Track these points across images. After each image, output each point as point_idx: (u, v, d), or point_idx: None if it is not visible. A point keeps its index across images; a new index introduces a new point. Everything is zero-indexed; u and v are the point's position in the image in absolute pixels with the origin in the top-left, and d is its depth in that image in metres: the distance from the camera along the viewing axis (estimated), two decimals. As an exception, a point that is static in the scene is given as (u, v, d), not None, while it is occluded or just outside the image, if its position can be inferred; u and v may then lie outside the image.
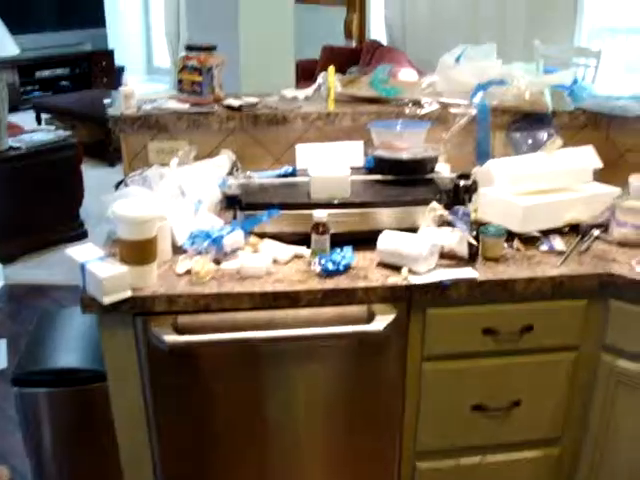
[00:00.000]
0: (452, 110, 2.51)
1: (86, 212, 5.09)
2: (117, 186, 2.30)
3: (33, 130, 5.36)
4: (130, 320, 1.86)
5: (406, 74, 3.99)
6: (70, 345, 2.42)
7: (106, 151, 6.42)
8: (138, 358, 1.91)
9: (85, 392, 2.27)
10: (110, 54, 9.33)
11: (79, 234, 4.94)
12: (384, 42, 7.23)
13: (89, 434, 2.31)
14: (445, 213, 2.02)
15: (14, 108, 7.75)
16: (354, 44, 7.73)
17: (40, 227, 4.83)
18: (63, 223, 4.96)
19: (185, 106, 2.41)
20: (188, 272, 1.90)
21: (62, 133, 5.11)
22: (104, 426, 2.05)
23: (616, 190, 2.26)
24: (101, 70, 9.12)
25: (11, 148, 4.67)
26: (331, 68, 2.56)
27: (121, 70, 9.10)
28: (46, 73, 8.89)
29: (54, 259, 4.70)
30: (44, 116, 7.55)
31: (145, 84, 9.89)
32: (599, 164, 2.32)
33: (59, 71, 9.01)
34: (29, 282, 4.52)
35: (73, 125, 6.62)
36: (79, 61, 9.10)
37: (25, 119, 7.12)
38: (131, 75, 7.91)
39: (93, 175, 5.64)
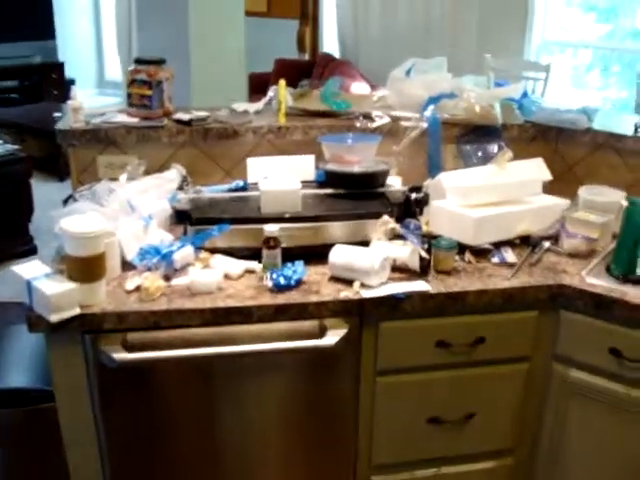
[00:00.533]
0: (403, 123, 2.52)
1: (36, 227, 5.00)
2: (65, 201, 2.26)
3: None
4: (79, 338, 1.82)
5: (358, 87, 4.00)
6: (18, 364, 2.36)
7: (57, 165, 6.32)
8: (87, 376, 1.86)
9: (34, 412, 2.21)
10: (60, 67, 9.20)
11: (28, 250, 4.85)
12: (337, 55, 7.26)
13: (39, 456, 2.26)
14: (397, 226, 2.03)
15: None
16: (307, 57, 7.75)
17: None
18: (11, 239, 4.85)
19: (135, 120, 2.39)
20: (138, 289, 1.86)
21: (10, 147, 5.02)
22: (55, 447, 2.00)
23: (565, 202, 2.29)
24: (51, 83, 8.98)
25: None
26: (282, 81, 2.55)
27: (71, 83, 8.98)
28: (-4, 85, 8.74)
29: (1, 275, 4.59)
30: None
31: (97, 97, 9.79)
32: (549, 176, 2.34)
33: (8, 83, 8.85)
34: (-24, 299, 4.41)
35: (22, 139, 6.51)
36: (29, 73, 8.95)
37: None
38: (82, 88, 7.81)
39: (44, 189, 5.55)
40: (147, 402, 1.92)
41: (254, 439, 2.02)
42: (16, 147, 5.03)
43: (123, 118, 2.39)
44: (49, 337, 1.81)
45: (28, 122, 6.90)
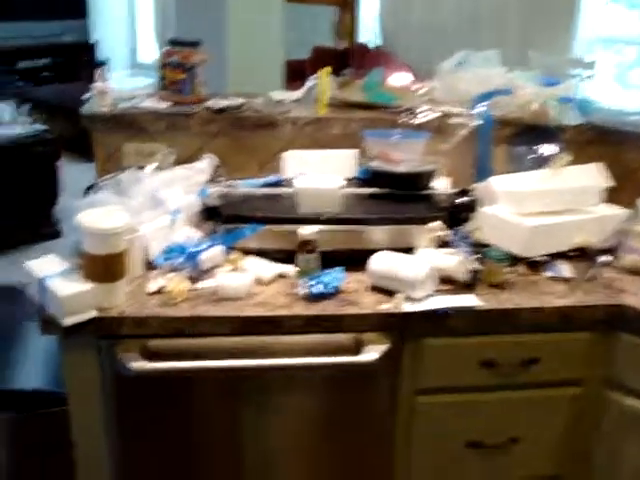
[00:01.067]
0: (452, 120, 2.34)
1: (63, 210, 4.86)
2: (87, 190, 2.11)
3: (9, 123, 5.13)
4: (94, 343, 1.67)
5: (400, 79, 3.81)
6: (32, 363, 2.20)
7: (87, 146, 6.20)
8: (103, 384, 1.72)
9: (48, 416, 2.05)
10: (93, 46, 9.10)
11: (51, 234, 4.71)
12: (375, 44, 7.06)
13: (51, 463, 2.10)
14: (445, 234, 1.85)
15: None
16: (345, 45, 7.56)
17: (8, 225, 4.60)
18: (34, 222, 4.73)
19: (165, 106, 2.23)
20: (160, 291, 1.71)
21: (39, 127, 4.90)
22: (69, 453, 1.85)
23: (626, 212, 2.10)
24: (84, 62, 8.87)
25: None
26: (326, 69, 2.38)
27: (103, 63, 8.85)
28: (27, 63, 8.63)
29: (22, 260, 4.47)
30: (24, 107, 7.30)
31: (130, 79, 9.67)
32: (609, 183, 2.16)
33: (41, 62, 8.75)
34: (-6, 284, 4.29)
35: (53, 118, 6.39)
36: (62, 52, 8.86)
37: (4, 110, 6.86)
38: (115, 69, 7.68)
39: (73, 171, 5.41)
40: (166, 413, 1.77)
41: (280, 459, 1.86)
42: (44, 128, 4.90)
43: (152, 103, 2.24)
44: (62, 340, 1.66)
45: (59, 101, 6.79)
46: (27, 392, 2.07)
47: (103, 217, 1.61)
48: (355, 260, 1.84)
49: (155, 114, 2.19)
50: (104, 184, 2.07)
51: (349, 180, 2.09)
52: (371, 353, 1.72)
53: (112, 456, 1.79)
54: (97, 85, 2.16)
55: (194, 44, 2.27)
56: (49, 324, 1.60)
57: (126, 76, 9.76)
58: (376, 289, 1.79)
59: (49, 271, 1.64)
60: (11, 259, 4.51)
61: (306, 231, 1.76)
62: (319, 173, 2.06)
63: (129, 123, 2.19)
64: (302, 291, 1.74)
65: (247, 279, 1.75)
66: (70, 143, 5.72)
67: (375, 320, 1.72)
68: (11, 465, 2.13)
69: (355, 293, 1.77)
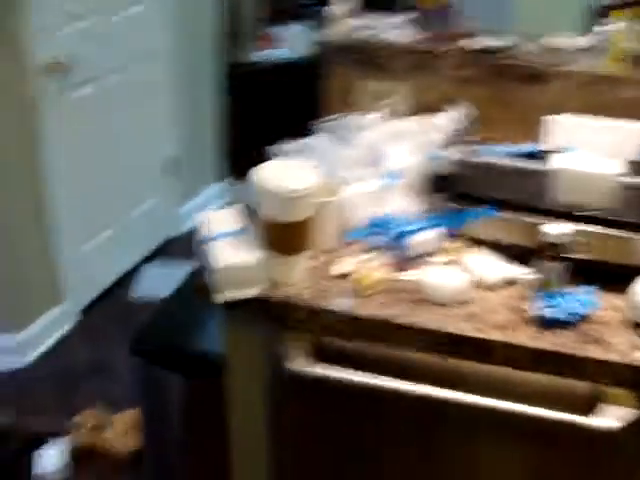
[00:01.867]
0: None
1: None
2: (305, 131, 1.78)
3: (292, 44, 5.03)
4: (257, 323, 1.35)
5: None
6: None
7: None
8: (263, 372, 1.41)
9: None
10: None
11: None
12: None
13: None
14: None
15: (290, 19, 7.48)
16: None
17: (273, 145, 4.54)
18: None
19: (410, 39, 1.82)
20: (348, 275, 1.34)
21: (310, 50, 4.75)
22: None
23: None
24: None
25: (255, 62, 4.48)
26: (628, 11, 1.83)
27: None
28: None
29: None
30: (312, 30, 7.22)
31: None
32: None
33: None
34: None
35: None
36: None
37: (294, 32, 6.85)
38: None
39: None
40: (330, 428, 1.43)
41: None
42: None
43: (396, 34, 1.84)
44: (222, 312, 1.37)
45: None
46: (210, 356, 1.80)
47: (288, 174, 1.27)
48: (616, 278, 1.34)
49: (395, 48, 1.79)
50: (325, 126, 1.74)
51: (633, 164, 1.54)
52: (611, 418, 1.24)
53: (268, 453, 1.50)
54: (331, 9, 1.79)
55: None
56: (204, 291, 1.31)
57: None
58: (635, 325, 1.29)
59: (219, 229, 1.33)
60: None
61: (554, 230, 1.29)
62: (592, 149, 1.56)
63: (365, 57, 1.81)
64: (533, 310, 1.28)
65: (460, 279, 1.33)
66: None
67: (625, 372, 1.22)
68: (186, 430, 1.91)
69: (605, 327, 1.28)
